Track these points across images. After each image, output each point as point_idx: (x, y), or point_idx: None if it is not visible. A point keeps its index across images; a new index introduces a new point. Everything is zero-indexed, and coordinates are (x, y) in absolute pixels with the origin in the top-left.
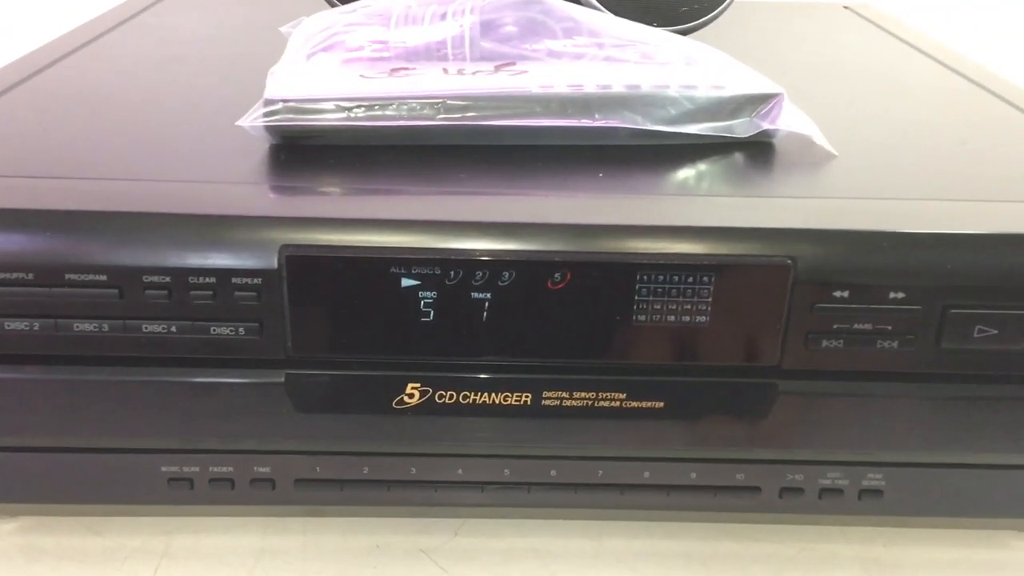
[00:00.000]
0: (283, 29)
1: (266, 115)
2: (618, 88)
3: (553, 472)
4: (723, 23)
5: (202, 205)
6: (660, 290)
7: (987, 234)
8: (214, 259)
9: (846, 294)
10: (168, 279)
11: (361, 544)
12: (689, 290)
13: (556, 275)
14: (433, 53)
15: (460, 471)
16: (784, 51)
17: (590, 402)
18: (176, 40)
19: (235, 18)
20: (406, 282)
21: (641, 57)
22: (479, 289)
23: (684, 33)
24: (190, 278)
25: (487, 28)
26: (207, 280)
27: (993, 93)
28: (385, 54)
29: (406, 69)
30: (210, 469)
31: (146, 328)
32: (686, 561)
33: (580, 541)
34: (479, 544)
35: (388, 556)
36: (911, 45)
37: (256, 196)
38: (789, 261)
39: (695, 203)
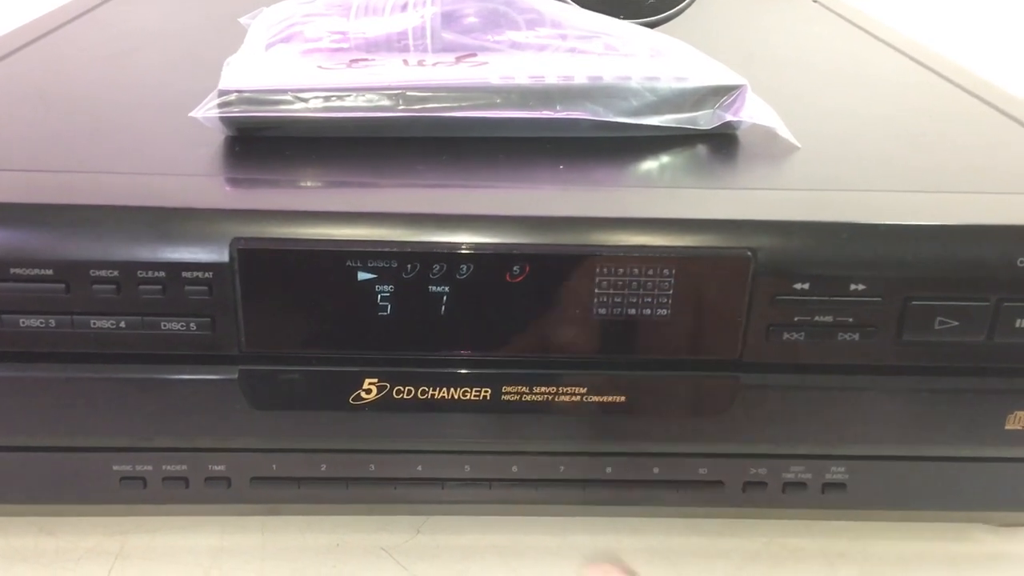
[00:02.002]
0: (242, 20)
1: (220, 106)
2: (580, 79)
3: (514, 468)
4: (691, 16)
5: (150, 197)
6: (620, 283)
7: (947, 225)
8: (163, 253)
9: (807, 286)
10: (116, 273)
11: (321, 543)
12: (649, 283)
13: (515, 268)
14: (394, 44)
15: (420, 468)
16: (751, 44)
17: (550, 397)
18: (136, 32)
19: (197, 10)
20: (362, 276)
21: (605, 49)
22: (437, 282)
23: (651, 26)
24: (139, 272)
25: (449, 19)
26: (156, 274)
27: (957, 85)
28: (344, 45)
29: (365, 60)
30: (163, 468)
31: (94, 323)
32: (650, 556)
33: (544, 537)
34: (441, 541)
35: (348, 554)
36: (878, 38)
37: (207, 188)
38: (749, 253)
39: (656, 195)
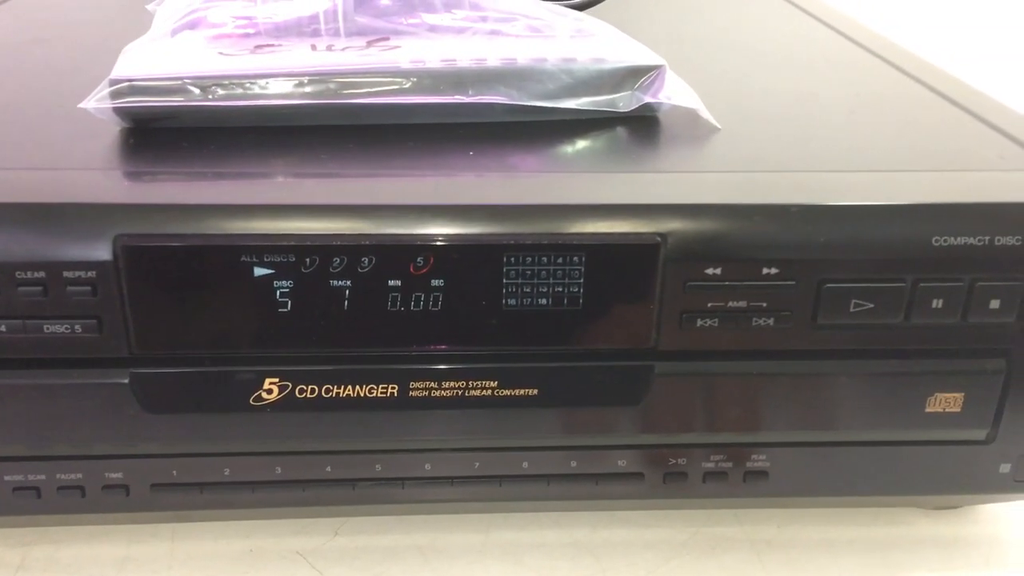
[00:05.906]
0: (149, 6)
1: (111, 95)
2: (493, 62)
3: (428, 466)
4: None
5: (26, 193)
6: (529, 272)
7: (859, 205)
8: (40, 251)
9: (719, 271)
10: None
11: (233, 549)
12: (560, 271)
13: (419, 259)
14: (304, 29)
15: (328, 468)
16: (684, 25)
17: (460, 391)
18: (44, 23)
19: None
20: (259, 271)
21: (527, 31)
22: (338, 276)
23: (580, 8)
24: (17, 273)
25: (361, 1)
26: (35, 275)
27: (892, 64)
28: (251, 30)
29: (271, 46)
30: (57, 476)
31: None
32: (575, 551)
33: (466, 536)
34: (360, 543)
35: (261, 560)
36: (816, 18)
37: (91, 182)
38: (659, 238)
39: (568, 180)
